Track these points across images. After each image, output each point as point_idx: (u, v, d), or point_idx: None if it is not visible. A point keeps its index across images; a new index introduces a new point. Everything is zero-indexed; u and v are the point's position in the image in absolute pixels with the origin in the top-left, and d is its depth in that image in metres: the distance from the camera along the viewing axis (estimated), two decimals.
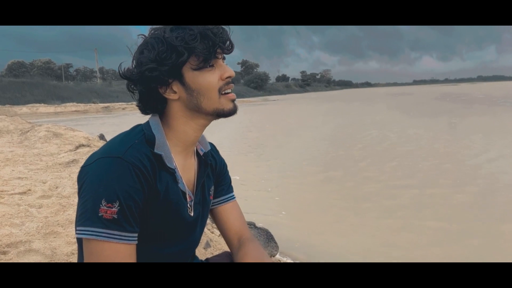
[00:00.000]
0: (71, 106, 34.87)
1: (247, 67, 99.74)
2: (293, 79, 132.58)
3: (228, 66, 0.92)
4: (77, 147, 5.83)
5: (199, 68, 0.86)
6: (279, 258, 3.44)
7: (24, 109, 31.12)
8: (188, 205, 0.98)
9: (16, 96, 38.55)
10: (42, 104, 35.39)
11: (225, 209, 1.13)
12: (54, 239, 2.28)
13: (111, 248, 0.80)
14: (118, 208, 0.79)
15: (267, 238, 3.44)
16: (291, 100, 52.20)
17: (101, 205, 0.79)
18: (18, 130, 10.88)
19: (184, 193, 0.96)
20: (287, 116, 22.76)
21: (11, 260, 1.96)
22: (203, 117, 0.93)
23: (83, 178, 0.84)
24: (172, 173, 0.92)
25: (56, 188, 3.52)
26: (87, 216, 0.79)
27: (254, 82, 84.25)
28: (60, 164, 4.66)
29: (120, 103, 39.56)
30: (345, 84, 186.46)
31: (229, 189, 1.16)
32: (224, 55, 0.92)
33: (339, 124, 16.26)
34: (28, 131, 10.34)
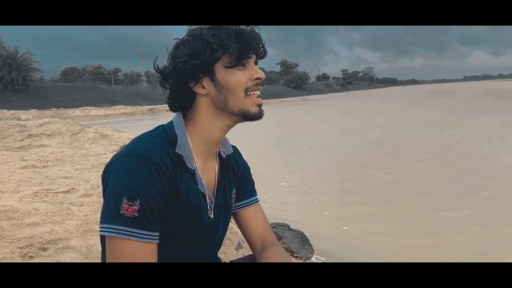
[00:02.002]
0: (119, 109, 36.74)
1: (286, 67, 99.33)
2: (334, 77, 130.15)
3: (260, 69, 0.93)
4: (122, 148, 6.08)
5: (231, 66, 0.88)
6: (315, 261, 3.34)
7: (76, 112, 33.20)
8: (208, 207, 0.97)
9: (69, 100, 41.22)
10: (93, 107, 37.59)
11: (248, 213, 1.11)
12: (92, 236, 2.36)
13: (132, 246, 0.80)
14: (139, 206, 0.80)
15: (302, 240, 3.35)
16: (333, 99, 51.24)
17: (122, 203, 0.79)
18: (69, 131, 11.60)
19: (203, 195, 0.95)
20: (331, 116, 22.33)
21: (50, 257, 2.04)
22: (229, 117, 0.93)
23: (107, 176, 0.86)
24: (192, 174, 0.92)
25: (98, 187, 3.67)
26: (109, 214, 0.80)
27: (293, 82, 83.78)
28: (105, 164, 4.87)
29: (165, 105, 40.64)
30: (389, 82, 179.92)
31: (252, 192, 1.14)
32: (257, 59, 0.94)
33: (385, 124, 15.66)
34: (78, 132, 10.99)
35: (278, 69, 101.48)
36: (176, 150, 0.88)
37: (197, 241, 0.97)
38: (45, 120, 16.27)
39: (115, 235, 0.80)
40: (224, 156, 1.03)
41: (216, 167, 1.02)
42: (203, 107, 0.93)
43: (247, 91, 0.90)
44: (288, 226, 3.47)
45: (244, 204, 1.11)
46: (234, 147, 1.12)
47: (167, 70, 0.93)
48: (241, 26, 0.91)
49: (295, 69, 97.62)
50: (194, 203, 0.92)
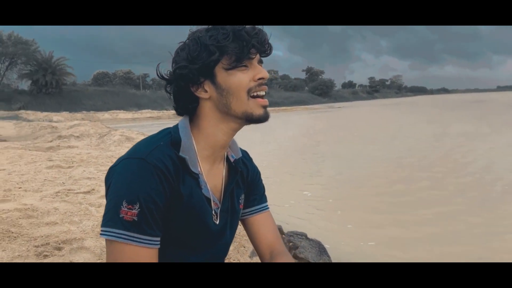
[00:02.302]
0: (146, 113, 37.68)
1: (311, 74, 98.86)
2: (360, 85, 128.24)
3: (263, 68, 0.89)
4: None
5: (231, 68, 0.85)
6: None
7: (106, 115, 34.29)
8: (213, 212, 0.94)
9: (99, 103, 42.70)
10: (122, 110, 38.76)
11: (257, 220, 1.08)
12: None
13: (130, 250, 0.79)
14: (139, 210, 0.78)
15: (319, 250, 3.25)
16: (359, 107, 50.42)
17: (122, 206, 0.78)
18: (97, 134, 11.95)
19: (208, 200, 0.93)
20: (356, 124, 21.98)
21: (63, 257, 2.06)
22: (233, 120, 0.90)
23: (109, 179, 0.85)
24: (195, 178, 0.89)
25: None
26: (109, 217, 0.80)
27: (318, 89, 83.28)
28: None
29: None
30: (419, 91, 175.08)
31: (262, 199, 1.11)
32: (262, 57, 0.90)
33: (414, 134, 15.22)
34: (105, 135, 11.30)
35: (303, 76, 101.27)
36: (180, 153, 0.86)
37: (201, 246, 0.94)
38: (75, 122, 16.90)
39: (114, 238, 0.78)
40: (232, 160, 1.00)
41: (223, 171, 0.99)
42: (207, 111, 0.90)
43: (249, 92, 0.87)
44: (305, 236, 3.38)
45: (253, 211, 1.08)
46: (244, 152, 1.09)
47: (168, 75, 0.92)
48: (246, 26, 0.87)
49: (320, 76, 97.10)
50: (198, 207, 0.90)
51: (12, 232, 2.24)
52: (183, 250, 0.91)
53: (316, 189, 6.44)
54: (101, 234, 0.81)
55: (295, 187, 6.53)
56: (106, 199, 0.84)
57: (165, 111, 39.04)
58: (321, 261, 3.15)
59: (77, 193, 3.42)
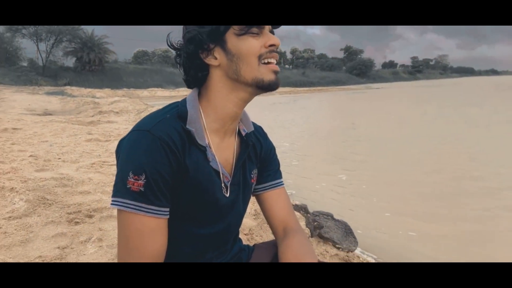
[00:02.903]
0: (183, 91, 38.38)
1: (350, 53, 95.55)
2: (402, 65, 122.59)
3: (275, 36, 0.88)
4: None
5: (242, 34, 0.84)
6: (358, 254, 3.19)
7: (145, 92, 35.34)
8: (223, 185, 0.93)
9: (139, 81, 43.96)
10: (160, 88, 39.73)
11: (270, 196, 1.06)
12: None
13: (140, 220, 0.80)
14: (145, 181, 0.79)
15: (346, 231, 3.20)
16: (399, 88, 48.30)
17: (129, 177, 0.79)
18: (135, 110, 12.35)
19: (217, 172, 0.92)
20: (394, 106, 21.16)
21: (93, 224, 2.16)
22: (243, 88, 0.89)
23: (118, 151, 0.86)
24: (203, 151, 0.88)
25: None
26: (117, 188, 0.80)
27: (357, 69, 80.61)
28: None
29: None
30: (465, 72, 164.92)
31: (276, 175, 1.09)
32: (273, 28, 0.90)
33: (454, 117, 14.43)
34: (143, 111, 11.65)
35: (341, 55, 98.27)
36: (187, 126, 0.86)
37: (210, 219, 0.94)
38: (116, 98, 17.57)
39: (123, 208, 0.79)
40: (243, 133, 0.99)
41: (234, 145, 0.98)
42: (217, 80, 0.89)
43: (260, 58, 0.85)
44: (331, 216, 3.33)
45: (267, 187, 1.06)
46: (258, 127, 1.08)
47: (178, 43, 0.92)
48: None
49: (359, 56, 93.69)
50: (205, 180, 0.89)
51: (47, 199, 2.37)
52: (192, 223, 0.91)
53: (350, 174, 6.21)
54: (111, 204, 0.82)
55: (329, 170, 6.38)
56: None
57: None
58: (346, 242, 3.10)
59: (111, 165, 3.55)
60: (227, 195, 0.94)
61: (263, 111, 17.88)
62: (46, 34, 40.19)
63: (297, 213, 3.15)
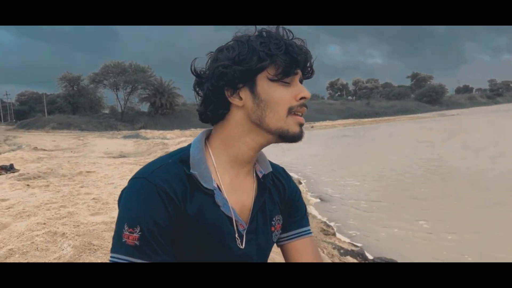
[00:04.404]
0: None
1: (418, 80, 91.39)
2: (479, 89, 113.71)
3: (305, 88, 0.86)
4: None
5: (276, 80, 0.82)
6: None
7: None
8: (237, 235, 0.84)
9: None
10: None
11: (295, 247, 0.96)
12: None
13: None
14: (140, 233, 0.74)
15: None
16: (478, 114, 44.35)
17: (124, 230, 0.75)
18: None
19: (230, 219, 0.84)
20: (479, 134, 19.32)
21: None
22: (263, 135, 0.84)
23: (119, 201, 0.83)
24: (210, 194, 0.82)
25: None
26: (114, 242, 0.77)
27: (427, 96, 76.50)
28: None
29: None
30: None
31: (303, 222, 0.99)
32: (304, 78, 0.87)
33: None
34: None
35: (407, 83, 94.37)
36: (191, 170, 0.81)
37: None
38: (183, 138, 18.62)
39: None
40: (260, 175, 0.91)
41: (253, 188, 0.89)
42: (236, 120, 0.84)
43: (290, 110, 0.82)
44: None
45: (292, 236, 0.96)
46: (280, 168, 1.00)
47: (204, 73, 0.86)
48: (295, 42, 0.83)
49: (428, 82, 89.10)
50: (214, 228, 0.81)
51: (94, 245, 2.41)
52: None
53: (438, 220, 5.22)
54: (109, 261, 0.77)
55: (410, 215, 5.58)
56: None
57: None
58: None
59: None
60: (242, 246, 0.85)
61: (325, 145, 17.48)
62: (124, 83, 44.86)
63: (353, 260, 2.84)
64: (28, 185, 5.28)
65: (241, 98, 0.83)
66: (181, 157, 0.83)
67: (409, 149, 14.21)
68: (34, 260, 2.17)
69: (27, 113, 52.22)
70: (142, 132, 33.77)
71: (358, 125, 40.86)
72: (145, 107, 47.59)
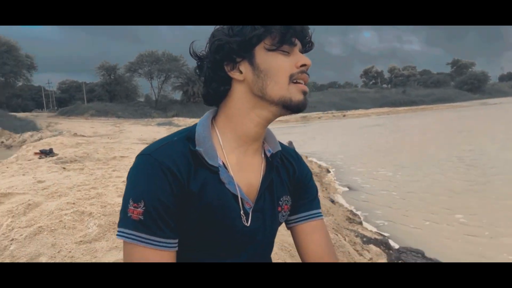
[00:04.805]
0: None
1: (458, 67, 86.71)
2: None
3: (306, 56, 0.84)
4: None
5: (273, 49, 0.81)
6: None
7: None
8: (242, 212, 0.84)
9: None
10: None
11: (304, 230, 0.94)
12: None
13: (139, 252, 0.75)
14: (144, 208, 0.75)
15: None
16: None
17: (129, 205, 0.75)
18: None
19: (236, 197, 0.83)
20: None
21: None
22: (267, 108, 0.83)
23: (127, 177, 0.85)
24: (215, 172, 0.81)
25: None
26: (121, 216, 0.78)
27: (468, 84, 72.67)
28: None
29: (317, 113, 42.14)
30: None
31: (313, 204, 0.96)
32: (304, 50, 0.86)
33: None
34: None
35: (447, 70, 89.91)
36: (196, 147, 0.80)
37: (228, 251, 0.85)
38: None
39: (124, 239, 0.76)
40: (268, 154, 0.90)
41: (261, 167, 0.88)
42: (239, 96, 0.84)
43: (291, 77, 0.81)
44: (422, 254, 2.83)
45: (301, 218, 0.94)
46: (291, 149, 0.98)
47: (203, 53, 0.87)
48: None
49: (470, 69, 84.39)
50: (218, 205, 0.81)
51: None
52: (206, 255, 0.83)
53: (474, 214, 4.99)
54: (116, 235, 0.79)
55: (445, 208, 5.36)
56: None
57: (293, 114, 40.16)
58: None
59: None
60: (248, 223, 0.84)
61: (357, 134, 17.07)
62: (158, 72, 45.91)
63: (376, 249, 2.75)
64: (64, 168, 5.54)
65: (241, 72, 0.82)
66: (187, 135, 0.83)
67: (446, 139, 13.60)
68: (61, 237, 2.27)
69: (67, 101, 54.71)
70: (175, 119, 34.49)
71: (393, 114, 39.59)
72: (178, 95, 48.58)
